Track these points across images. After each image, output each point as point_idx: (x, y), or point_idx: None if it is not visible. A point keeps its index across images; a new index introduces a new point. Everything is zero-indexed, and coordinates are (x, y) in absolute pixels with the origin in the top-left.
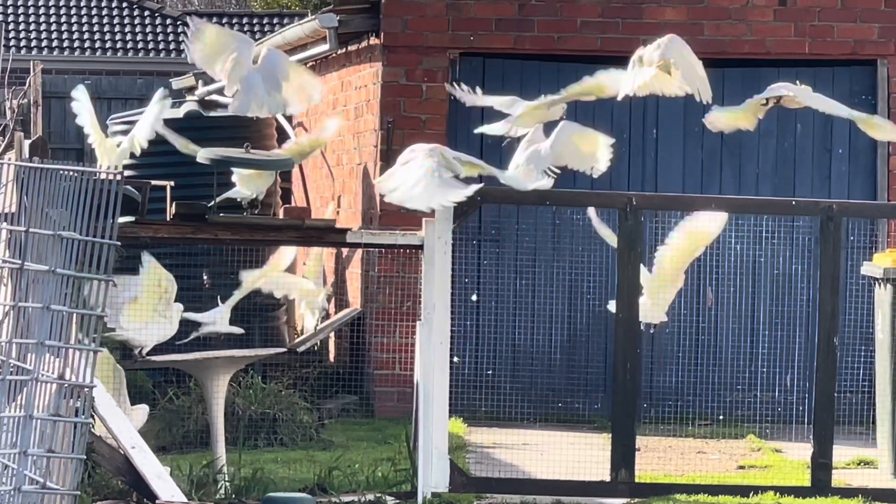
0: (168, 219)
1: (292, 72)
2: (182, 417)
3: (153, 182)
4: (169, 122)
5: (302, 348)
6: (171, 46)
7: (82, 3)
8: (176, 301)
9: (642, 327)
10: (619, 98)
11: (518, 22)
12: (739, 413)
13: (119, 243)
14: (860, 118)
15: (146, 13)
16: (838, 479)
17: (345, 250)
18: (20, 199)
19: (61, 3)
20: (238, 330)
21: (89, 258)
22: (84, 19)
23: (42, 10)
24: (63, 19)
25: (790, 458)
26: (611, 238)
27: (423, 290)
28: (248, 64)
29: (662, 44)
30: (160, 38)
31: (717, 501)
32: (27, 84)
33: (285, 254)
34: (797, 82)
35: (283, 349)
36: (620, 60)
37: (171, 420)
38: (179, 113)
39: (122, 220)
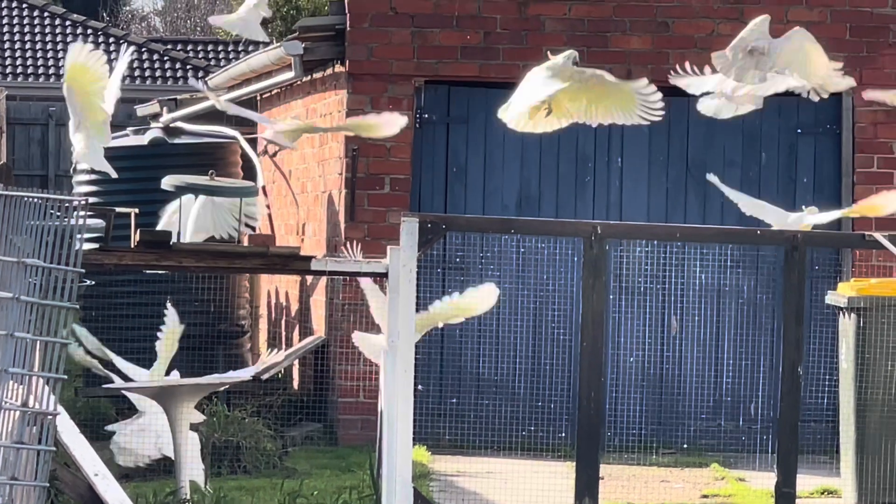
0: (132, 246)
1: None
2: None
3: (117, 209)
4: (134, 149)
5: (266, 376)
6: (136, 73)
7: (47, 30)
8: (143, 330)
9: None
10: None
11: (483, 50)
12: (703, 442)
13: (83, 270)
14: None
15: (111, 40)
16: None
17: (309, 278)
18: None
19: (26, 30)
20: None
21: (53, 285)
22: (49, 45)
23: (6, 37)
24: (28, 46)
25: (754, 487)
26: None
27: (388, 318)
28: None
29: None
30: None
31: None
32: None
33: None
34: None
35: (248, 377)
36: None
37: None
38: (144, 140)
39: (86, 246)
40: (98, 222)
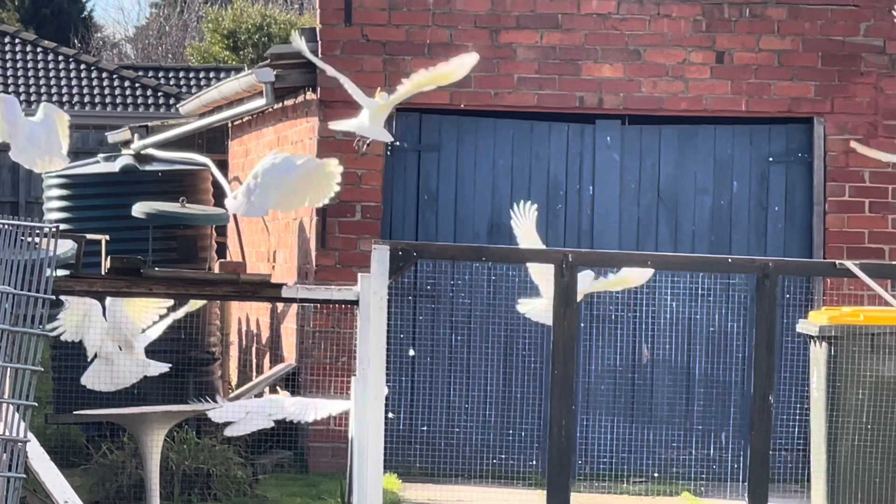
0: (103, 273)
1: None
2: (116, 472)
3: (88, 236)
4: (105, 176)
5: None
6: (107, 100)
7: (18, 56)
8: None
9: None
10: None
11: None
12: (674, 470)
13: (54, 297)
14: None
15: (82, 66)
16: None
17: (280, 305)
18: None
19: None
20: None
21: (24, 312)
22: (20, 73)
23: None
24: None
25: None
26: None
27: (358, 346)
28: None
29: None
30: (96, 91)
31: None
32: None
33: None
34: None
35: (219, 404)
36: (557, 117)
37: (104, 475)
38: (115, 167)
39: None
40: (69, 247)
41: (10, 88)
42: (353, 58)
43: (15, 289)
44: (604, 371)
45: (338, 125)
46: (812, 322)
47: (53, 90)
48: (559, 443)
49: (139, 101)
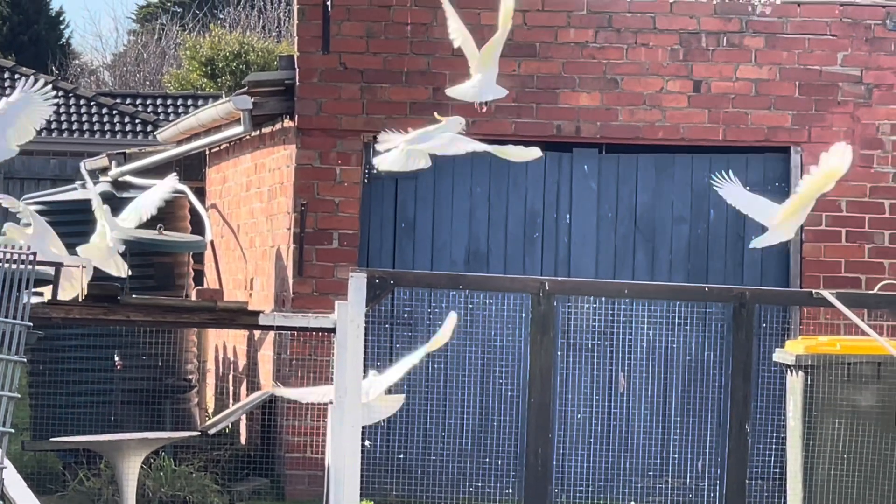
0: (80, 299)
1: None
2: (92, 499)
3: (65, 263)
4: (82, 203)
5: (213, 430)
6: (85, 127)
7: None
8: (91, 384)
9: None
10: None
11: (432, 105)
12: (651, 499)
13: (31, 324)
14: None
15: (59, 93)
16: None
17: (257, 333)
18: None
19: None
20: None
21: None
22: None
23: None
24: None
25: None
26: None
27: (335, 374)
28: None
29: None
30: (73, 118)
31: None
32: None
33: None
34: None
35: (196, 432)
36: (534, 145)
37: (81, 501)
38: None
39: (34, 300)
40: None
41: None
42: (330, 85)
43: None
44: (580, 399)
45: (452, 91)
46: (789, 351)
47: None
48: (535, 471)
49: (117, 128)
